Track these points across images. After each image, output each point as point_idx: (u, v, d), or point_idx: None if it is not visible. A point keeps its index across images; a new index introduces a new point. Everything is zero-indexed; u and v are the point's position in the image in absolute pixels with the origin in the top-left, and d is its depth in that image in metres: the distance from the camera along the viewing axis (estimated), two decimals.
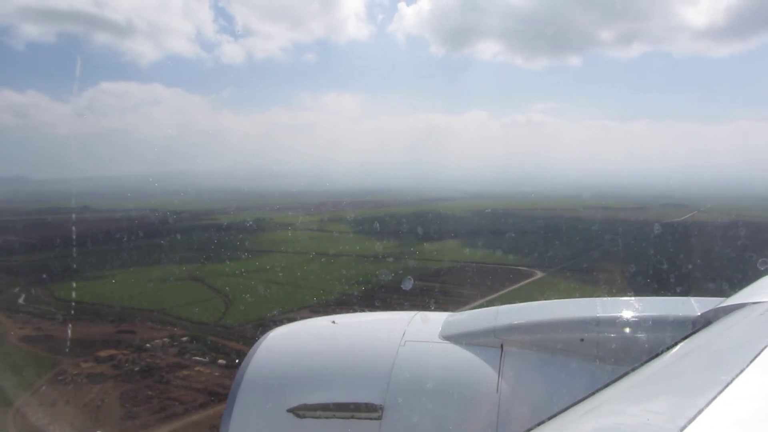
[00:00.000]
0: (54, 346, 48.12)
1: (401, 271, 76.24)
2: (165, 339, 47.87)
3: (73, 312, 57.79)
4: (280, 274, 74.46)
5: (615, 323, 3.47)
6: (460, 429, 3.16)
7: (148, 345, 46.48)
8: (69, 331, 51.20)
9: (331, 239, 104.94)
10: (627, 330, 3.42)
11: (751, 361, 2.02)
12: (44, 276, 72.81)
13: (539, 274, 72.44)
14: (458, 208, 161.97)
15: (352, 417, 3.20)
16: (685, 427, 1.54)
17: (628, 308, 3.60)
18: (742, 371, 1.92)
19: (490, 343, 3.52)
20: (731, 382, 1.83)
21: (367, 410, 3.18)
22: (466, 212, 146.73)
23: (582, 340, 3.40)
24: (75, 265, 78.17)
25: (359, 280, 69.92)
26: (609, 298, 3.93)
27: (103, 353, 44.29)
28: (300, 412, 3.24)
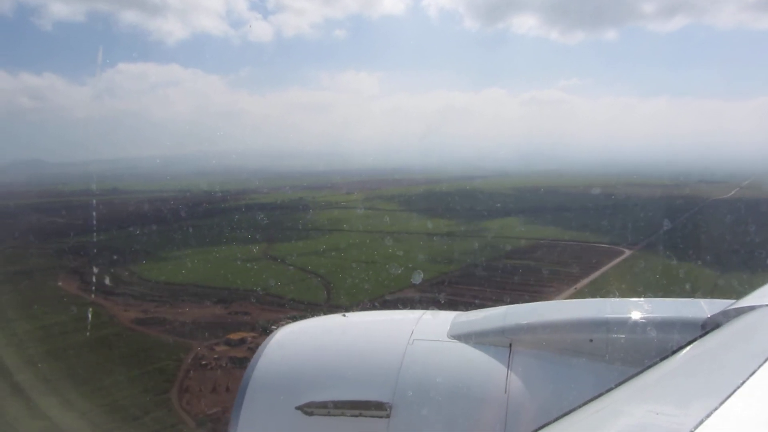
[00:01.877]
0: (172, 329, 46.43)
1: (488, 248, 74.19)
2: (288, 320, 45.91)
3: (170, 293, 56.00)
4: (360, 253, 72.59)
5: (624, 324, 3.42)
6: (468, 428, 3.13)
7: (274, 327, 44.50)
8: (183, 314, 49.31)
9: (387, 217, 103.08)
10: (636, 331, 3.37)
11: (761, 365, 2.01)
12: (116, 257, 71.31)
13: (626, 252, 70.41)
14: (494, 185, 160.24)
15: (360, 415, 3.17)
16: (695, 428, 1.55)
17: (638, 309, 3.57)
18: (752, 374, 1.93)
19: (498, 342, 3.49)
20: (741, 385, 1.85)
21: (376, 408, 3.16)
22: (507, 189, 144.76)
23: (591, 340, 3.36)
24: (143, 246, 76.71)
25: (449, 258, 68.20)
26: (619, 299, 3.90)
27: (234, 336, 42.48)
28: (308, 409, 3.22)
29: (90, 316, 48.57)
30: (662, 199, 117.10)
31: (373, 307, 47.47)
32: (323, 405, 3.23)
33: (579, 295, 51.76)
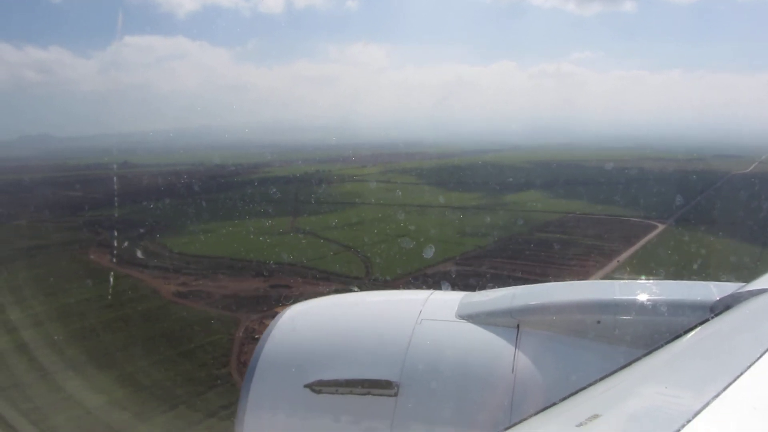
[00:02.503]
0: (215, 302, 45.80)
1: (518, 222, 73.32)
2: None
3: (205, 266, 55.29)
4: (390, 226, 71.72)
5: (632, 306, 3.43)
6: (475, 407, 3.17)
7: None
8: (223, 288, 48.61)
9: (409, 190, 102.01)
10: (644, 313, 3.38)
11: None
12: (142, 231, 70.52)
13: (660, 225, 69.52)
14: (509, 159, 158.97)
15: (368, 393, 3.21)
16: (701, 410, 1.57)
17: (646, 291, 3.56)
18: (759, 357, 1.95)
19: (506, 323, 3.49)
20: (748, 368, 1.87)
21: (383, 387, 3.19)
22: (522, 163, 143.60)
23: (599, 322, 3.37)
24: (166, 219, 75.95)
25: (483, 232, 67.52)
26: (627, 281, 3.90)
27: (280, 310, 41.81)
28: (317, 387, 3.25)
29: (130, 289, 47.88)
30: (681, 173, 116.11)
31: (415, 282, 47.04)
32: (331, 383, 3.26)
33: (623, 269, 51.20)
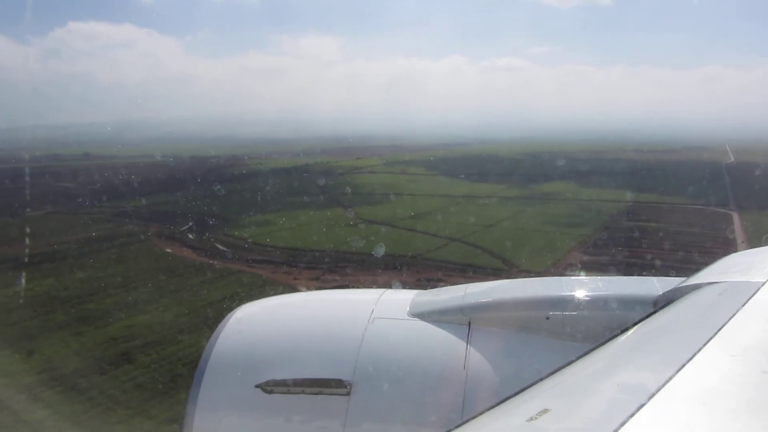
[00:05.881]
0: None
1: (588, 213, 71.00)
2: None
3: (312, 260, 49.92)
4: (467, 216, 68.41)
5: (580, 302, 3.50)
6: (427, 405, 3.18)
7: None
8: (359, 282, 43.51)
9: (434, 181, 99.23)
10: (591, 308, 3.45)
11: (709, 339, 2.13)
12: (191, 223, 64.54)
13: (734, 212, 68.88)
14: (505, 150, 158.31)
15: (321, 393, 3.18)
16: (647, 402, 1.64)
17: (593, 287, 3.66)
18: (701, 348, 2.04)
19: (457, 320, 3.51)
20: (691, 358, 1.96)
21: (336, 386, 3.17)
22: (519, 155, 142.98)
23: (547, 318, 3.43)
24: (207, 211, 70.27)
25: (569, 222, 65.05)
26: (574, 277, 3.96)
27: None
28: (268, 387, 3.21)
29: (264, 285, 42.54)
30: (683, 163, 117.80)
31: (563, 270, 44.22)
32: (283, 383, 3.21)
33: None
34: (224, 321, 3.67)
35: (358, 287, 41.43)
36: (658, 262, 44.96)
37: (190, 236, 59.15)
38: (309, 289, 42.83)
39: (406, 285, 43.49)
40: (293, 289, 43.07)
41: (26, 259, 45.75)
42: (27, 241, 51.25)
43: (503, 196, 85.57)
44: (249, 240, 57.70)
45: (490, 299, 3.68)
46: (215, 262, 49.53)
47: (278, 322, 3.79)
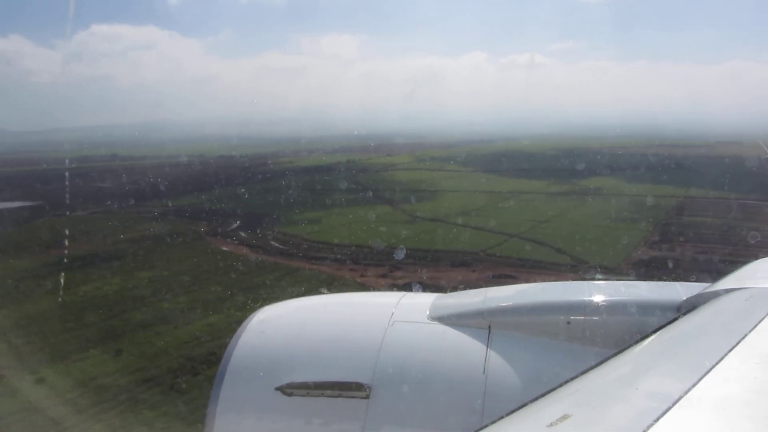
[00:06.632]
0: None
1: (641, 209, 69.56)
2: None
3: (373, 257, 49.09)
4: (525, 212, 67.45)
5: (601, 307, 3.47)
6: (447, 409, 3.17)
7: None
8: (436, 278, 42.81)
9: (471, 178, 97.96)
10: (613, 314, 3.41)
11: (734, 346, 2.12)
12: (238, 222, 64.20)
13: None
14: (532, 147, 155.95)
15: (340, 396, 3.18)
16: (670, 409, 1.64)
17: (615, 292, 3.64)
18: (725, 355, 2.02)
19: (477, 324, 3.49)
20: (715, 365, 1.94)
21: (355, 389, 3.17)
22: (550, 150, 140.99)
23: (568, 322, 3.39)
24: (253, 209, 69.81)
25: (624, 217, 63.75)
26: (596, 282, 3.88)
27: None
28: (288, 390, 3.22)
29: (339, 286, 41.90)
30: (720, 157, 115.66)
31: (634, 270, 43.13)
32: (303, 386, 3.21)
33: None
34: (245, 323, 3.65)
35: (427, 283, 40.64)
36: (731, 258, 43.84)
37: (242, 234, 58.71)
38: (378, 287, 42.46)
39: (476, 282, 42.91)
40: (363, 287, 42.55)
41: (89, 259, 45.50)
42: (84, 240, 51.00)
43: (550, 192, 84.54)
44: (304, 237, 57.07)
45: (511, 303, 3.66)
46: (275, 259, 48.95)
47: (299, 324, 3.79)
